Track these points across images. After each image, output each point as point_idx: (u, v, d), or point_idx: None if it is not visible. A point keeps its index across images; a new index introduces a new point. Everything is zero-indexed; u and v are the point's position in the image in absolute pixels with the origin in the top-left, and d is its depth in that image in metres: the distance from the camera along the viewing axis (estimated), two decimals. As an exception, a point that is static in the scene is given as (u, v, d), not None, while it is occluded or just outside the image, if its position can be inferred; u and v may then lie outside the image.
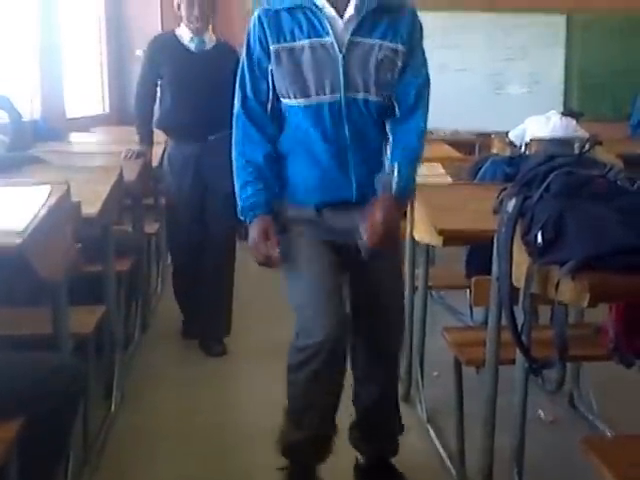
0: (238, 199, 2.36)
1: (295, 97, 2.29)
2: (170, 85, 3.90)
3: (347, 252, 2.38)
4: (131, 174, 3.55)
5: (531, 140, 5.73)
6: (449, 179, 3.95)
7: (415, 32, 2.35)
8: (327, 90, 2.26)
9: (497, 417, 2.54)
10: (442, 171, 4.14)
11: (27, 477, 1.94)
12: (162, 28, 7.05)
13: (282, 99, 2.33)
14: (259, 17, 2.31)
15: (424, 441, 3.11)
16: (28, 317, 2.62)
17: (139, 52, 7.03)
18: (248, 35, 2.34)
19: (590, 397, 3.34)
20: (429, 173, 4.01)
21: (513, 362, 2.36)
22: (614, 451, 1.91)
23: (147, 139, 4.04)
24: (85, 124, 6.29)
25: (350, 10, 2.26)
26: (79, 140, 5.16)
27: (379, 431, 2.62)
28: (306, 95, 2.27)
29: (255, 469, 2.82)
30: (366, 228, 2.26)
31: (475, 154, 7.40)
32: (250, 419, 3.26)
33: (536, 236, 1.99)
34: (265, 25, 2.28)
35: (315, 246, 2.37)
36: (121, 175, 3.23)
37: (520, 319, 2.18)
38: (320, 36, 2.26)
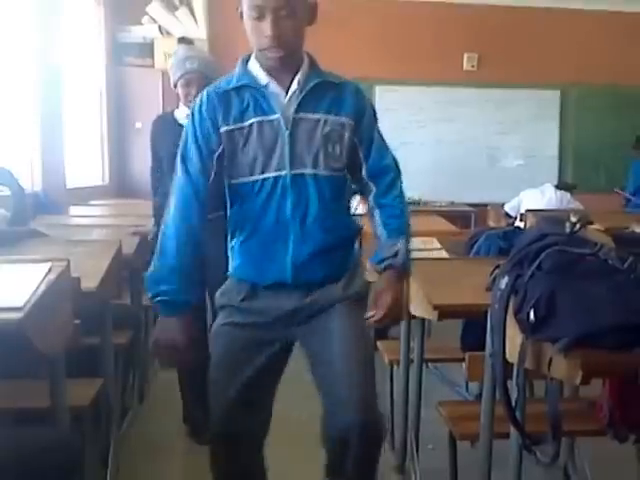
0: (155, 286, 2.24)
1: (242, 176, 2.26)
2: (167, 166, 3.70)
3: (284, 324, 2.30)
4: (130, 247, 3.58)
5: (526, 211, 5.80)
6: (444, 253, 3.98)
7: (361, 106, 2.32)
8: (273, 167, 2.23)
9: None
10: (438, 245, 4.17)
11: None
12: (163, 102, 7.19)
13: (227, 180, 2.30)
14: (209, 95, 2.27)
15: (418, 514, 3.08)
16: (26, 390, 2.62)
17: (139, 124, 7.16)
18: (194, 113, 2.28)
19: (585, 470, 3.31)
20: (425, 247, 4.05)
21: (507, 436, 2.35)
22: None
23: None
24: (84, 195, 6.35)
25: (294, 86, 2.24)
26: (79, 213, 5.20)
27: None
28: (252, 173, 2.24)
29: None
30: (376, 306, 2.27)
31: (471, 226, 7.46)
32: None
33: (528, 313, 2.02)
34: (216, 104, 2.25)
35: (241, 335, 2.30)
36: (120, 249, 3.26)
37: (515, 394, 2.21)
38: (266, 114, 2.23)
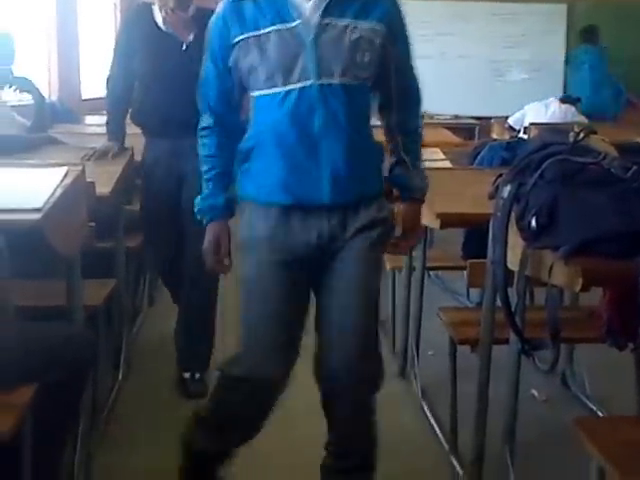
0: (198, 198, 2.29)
1: (262, 88, 2.11)
2: (145, 73, 3.34)
3: (309, 265, 2.19)
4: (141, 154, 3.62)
5: (530, 124, 5.79)
6: (448, 164, 4.02)
7: (396, 11, 2.19)
8: (296, 77, 2.06)
9: (491, 396, 2.59)
10: (442, 156, 4.21)
11: (40, 442, 2.02)
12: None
13: (249, 91, 2.17)
14: (224, 9, 2.15)
15: (418, 417, 3.19)
16: (42, 289, 2.70)
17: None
18: (209, 27, 2.20)
19: (583, 378, 3.40)
20: (429, 158, 4.08)
21: (507, 342, 2.41)
22: (604, 431, 1.96)
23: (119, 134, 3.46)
24: (98, 106, 6.37)
25: None
26: (93, 122, 5.23)
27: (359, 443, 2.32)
28: (274, 85, 2.08)
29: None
30: (404, 238, 2.32)
31: (475, 138, 7.44)
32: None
33: (530, 221, 2.05)
34: (227, 18, 2.12)
35: (275, 275, 2.16)
36: (132, 156, 3.32)
37: (515, 300, 2.28)
38: (285, 21, 2.06)
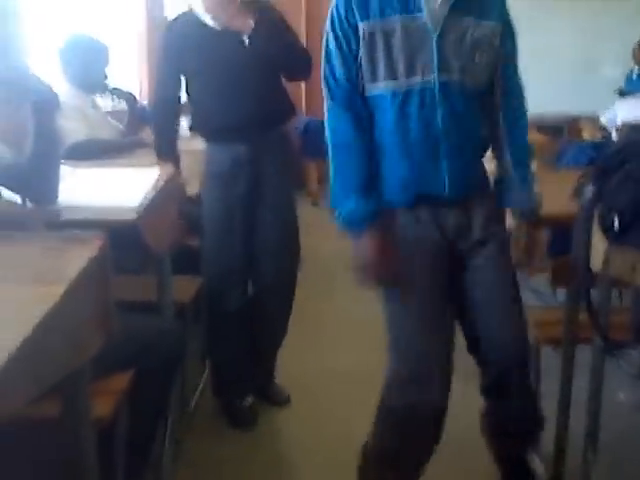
0: (338, 207, 2.09)
1: (383, 80, 2.04)
2: (203, 82, 3.03)
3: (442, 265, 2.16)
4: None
5: (623, 124, 5.64)
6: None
7: (506, 7, 2.15)
8: (419, 72, 2.02)
9: (578, 397, 2.58)
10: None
11: (134, 431, 2.13)
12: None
13: (367, 84, 2.07)
14: None
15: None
16: (133, 285, 2.79)
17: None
18: (332, 10, 2.08)
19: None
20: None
21: (591, 341, 2.39)
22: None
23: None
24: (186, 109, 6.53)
25: None
26: (181, 124, 5.39)
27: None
28: (395, 78, 2.03)
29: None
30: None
31: (564, 138, 7.30)
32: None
33: (613, 221, 2.03)
34: (351, 2, 2.03)
35: (426, 265, 2.12)
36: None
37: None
38: (412, 13, 2.01)
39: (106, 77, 3.72)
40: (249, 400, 3.18)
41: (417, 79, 2.03)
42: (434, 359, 2.11)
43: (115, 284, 1.69)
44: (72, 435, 1.68)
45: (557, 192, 2.72)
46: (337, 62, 2.07)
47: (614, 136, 5.63)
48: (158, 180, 2.43)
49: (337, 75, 2.08)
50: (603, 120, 6.41)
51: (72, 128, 3.18)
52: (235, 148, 2.96)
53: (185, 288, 2.99)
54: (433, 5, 2.01)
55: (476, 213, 2.17)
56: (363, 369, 3.19)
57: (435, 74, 2.02)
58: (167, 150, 3.04)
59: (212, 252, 3.02)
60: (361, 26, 2.03)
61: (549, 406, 2.71)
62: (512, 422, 2.35)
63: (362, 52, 2.04)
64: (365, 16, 2.02)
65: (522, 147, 2.25)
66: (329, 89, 2.10)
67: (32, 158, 2.11)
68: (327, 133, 2.12)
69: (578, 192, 2.28)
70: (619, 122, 5.91)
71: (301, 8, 7.29)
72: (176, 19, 3.08)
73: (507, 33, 2.14)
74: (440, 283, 2.15)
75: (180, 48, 2.95)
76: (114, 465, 2.08)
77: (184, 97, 3.12)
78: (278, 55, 2.92)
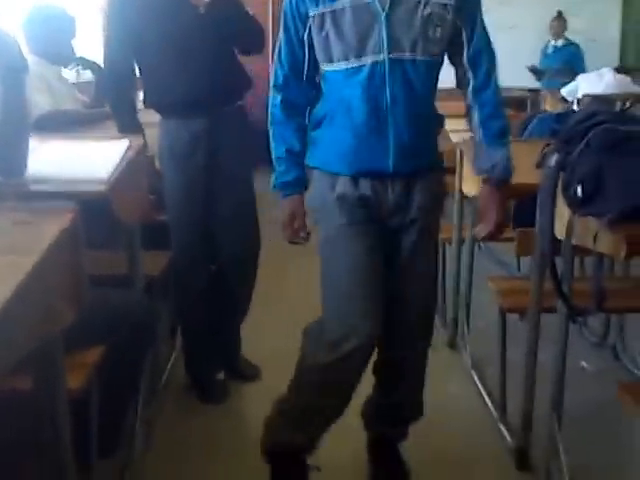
0: (273, 173, 2.32)
1: (336, 61, 2.15)
2: (158, 52, 2.90)
3: (381, 231, 2.29)
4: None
5: (583, 96, 5.71)
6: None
7: None
8: (369, 51, 2.11)
9: (542, 366, 2.61)
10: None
11: (105, 404, 2.13)
12: None
13: (322, 65, 2.20)
14: None
15: (468, 387, 3.23)
16: (102, 259, 2.73)
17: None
18: (285, 4, 2.21)
19: (634, 350, 3.41)
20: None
21: (555, 311, 2.42)
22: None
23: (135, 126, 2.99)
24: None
25: None
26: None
27: (399, 411, 2.52)
28: (347, 58, 2.13)
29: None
30: (483, 223, 2.31)
31: (527, 110, 7.35)
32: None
33: (576, 190, 2.08)
34: None
35: (355, 231, 2.24)
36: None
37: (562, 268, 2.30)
38: None
39: (73, 50, 3.64)
40: (220, 376, 3.19)
41: (368, 59, 2.12)
42: (368, 301, 2.23)
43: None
44: (45, 408, 1.68)
45: (521, 163, 2.77)
46: (284, 48, 2.22)
47: (575, 107, 5.69)
48: (127, 152, 2.41)
49: (282, 60, 2.24)
50: (564, 92, 6.48)
51: (37, 100, 3.10)
52: (192, 123, 2.91)
53: (153, 262, 2.96)
54: None
55: (417, 192, 2.25)
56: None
57: (385, 53, 2.11)
58: (128, 124, 2.95)
59: (176, 226, 3.02)
60: (311, 13, 2.14)
61: (515, 376, 2.79)
62: (395, 406, 2.47)
63: (314, 36, 2.16)
64: (316, 4, 2.13)
65: (489, 108, 2.26)
66: (274, 73, 2.27)
67: None
68: (271, 104, 2.30)
69: (542, 162, 2.33)
70: (580, 94, 5.98)
71: (268, 9, 7.38)
72: None
73: (465, 8, 2.18)
74: (371, 248, 2.26)
75: (131, 17, 2.84)
76: (87, 440, 2.09)
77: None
78: (233, 26, 2.87)
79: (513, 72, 7.90)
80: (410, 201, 2.25)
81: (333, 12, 2.12)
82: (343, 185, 2.23)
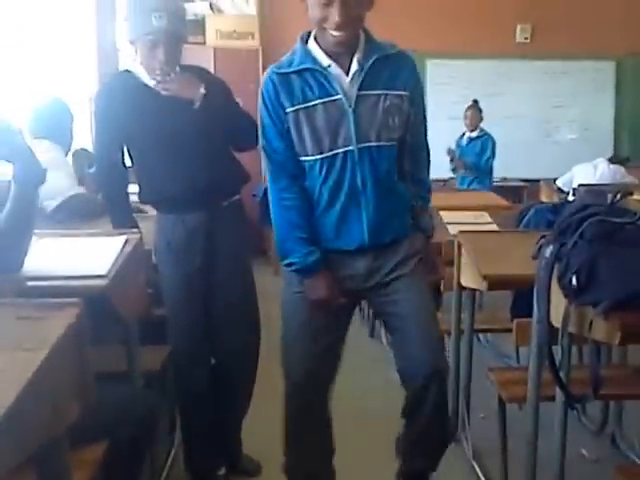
0: (290, 257, 2.46)
1: (311, 154, 2.39)
2: (149, 145, 2.87)
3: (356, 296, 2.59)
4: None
5: (579, 186, 5.79)
6: (495, 227, 4.06)
7: (416, 78, 2.50)
8: (340, 143, 2.36)
9: (543, 455, 2.61)
10: (488, 219, 4.26)
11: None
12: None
13: (298, 154, 2.41)
14: (271, 78, 2.38)
15: (470, 478, 3.20)
16: (102, 354, 2.75)
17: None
18: (264, 95, 2.40)
19: (633, 438, 3.39)
20: (476, 221, 4.16)
21: (554, 399, 2.44)
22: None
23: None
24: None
25: (354, 66, 2.37)
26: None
27: (429, 441, 2.58)
28: (321, 151, 2.37)
29: None
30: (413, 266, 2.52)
31: (523, 201, 7.41)
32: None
33: (571, 280, 2.12)
34: (278, 87, 2.37)
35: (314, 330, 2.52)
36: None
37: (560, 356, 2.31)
38: (330, 95, 2.35)
39: (72, 135, 3.72)
40: (221, 471, 3.14)
41: (340, 150, 2.38)
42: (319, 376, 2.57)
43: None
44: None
45: (518, 254, 2.81)
46: (272, 136, 2.41)
47: (570, 198, 5.77)
48: (125, 247, 2.44)
49: (274, 146, 2.43)
50: (559, 183, 6.57)
51: (60, 184, 3.18)
52: (189, 218, 2.88)
53: (152, 357, 2.94)
54: (345, 86, 2.37)
55: (388, 259, 2.50)
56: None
57: (354, 144, 2.38)
58: (122, 220, 2.90)
59: (174, 323, 2.97)
60: (288, 109, 2.37)
61: (516, 465, 2.78)
62: (421, 438, 2.54)
63: (291, 130, 2.39)
64: (290, 101, 2.37)
65: (420, 182, 2.61)
66: (267, 155, 2.45)
67: (4, 229, 2.01)
68: (269, 193, 2.47)
69: (538, 254, 2.37)
70: (575, 185, 6.06)
71: (258, 58, 7.57)
72: (111, 81, 2.94)
73: (415, 99, 2.48)
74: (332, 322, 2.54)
75: (119, 113, 2.79)
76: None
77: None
78: (228, 121, 2.88)
79: (510, 162, 8.04)
80: (382, 266, 2.50)
81: (307, 109, 2.36)
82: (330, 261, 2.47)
